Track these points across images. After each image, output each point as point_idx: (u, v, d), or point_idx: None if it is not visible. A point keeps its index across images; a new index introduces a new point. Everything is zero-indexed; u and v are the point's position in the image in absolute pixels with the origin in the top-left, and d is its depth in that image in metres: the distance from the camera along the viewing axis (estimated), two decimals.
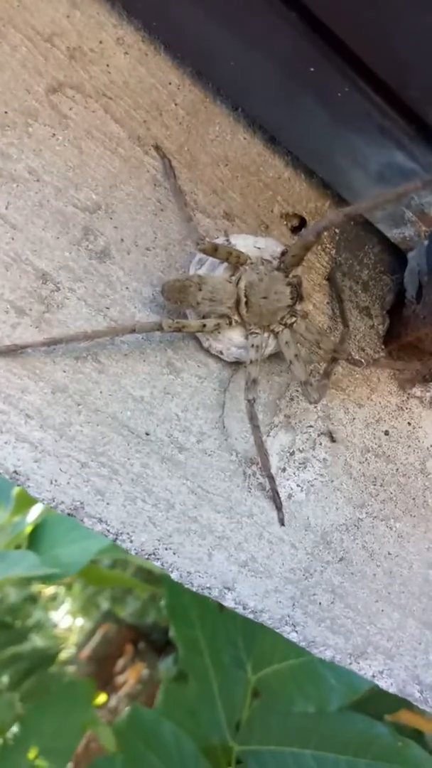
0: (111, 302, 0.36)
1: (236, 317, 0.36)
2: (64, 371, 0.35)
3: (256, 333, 0.36)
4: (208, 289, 0.34)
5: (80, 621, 1.61)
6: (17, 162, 0.35)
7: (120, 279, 0.36)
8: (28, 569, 0.76)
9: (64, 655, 1.45)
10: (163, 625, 1.87)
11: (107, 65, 0.36)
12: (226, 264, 0.36)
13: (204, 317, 0.36)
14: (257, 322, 0.36)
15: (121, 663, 1.73)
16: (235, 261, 0.35)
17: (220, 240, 0.35)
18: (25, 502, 0.88)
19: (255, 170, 0.39)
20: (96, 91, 0.36)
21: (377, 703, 0.80)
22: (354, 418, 0.41)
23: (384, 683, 0.42)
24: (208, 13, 0.32)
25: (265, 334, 0.36)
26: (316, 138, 0.35)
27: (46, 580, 0.79)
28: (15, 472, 0.34)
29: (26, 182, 0.35)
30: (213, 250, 0.33)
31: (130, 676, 1.69)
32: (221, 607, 0.96)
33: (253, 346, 0.36)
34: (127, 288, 0.36)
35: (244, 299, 0.35)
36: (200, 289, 0.34)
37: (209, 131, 0.38)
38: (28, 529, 0.83)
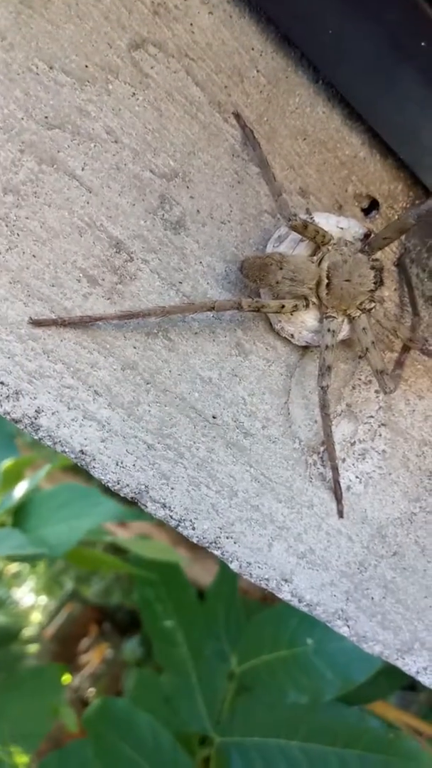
0: (184, 276, 0.37)
1: (314, 299, 0.37)
2: (135, 347, 0.36)
3: (333, 317, 0.37)
4: (289, 269, 0.35)
5: (44, 599, 1.62)
6: (95, 120, 0.35)
7: (194, 252, 0.37)
8: (14, 548, 0.75)
9: (27, 632, 1.46)
10: (128, 606, 1.89)
11: (191, 24, 0.36)
12: (306, 243, 0.36)
13: (281, 297, 0.36)
14: (336, 305, 0.36)
15: (85, 643, 1.75)
16: (321, 241, 0.36)
17: (304, 217, 0.36)
18: (12, 477, 0.88)
19: (332, 147, 0.40)
20: (179, 50, 0.36)
21: (351, 693, 0.83)
22: (414, 410, 0.43)
23: (428, 680, 0.43)
24: None
25: (341, 319, 0.37)
26: (408, 117, 0.36)
27: (33, 560, 0.79)
28: (81, 451, 0.34)
29: (104, 143, 0.35)
30: (303, 228, 0.34)
31: (93, 656, 1.71)
32: (202, 599, 0.98)
33: (329, 330, 0.37)
34: (200, 262, 0.37)
35: (325, 281, 0.36)
36: (281, 268, 0.35)
37: (289, 102, 0.39)
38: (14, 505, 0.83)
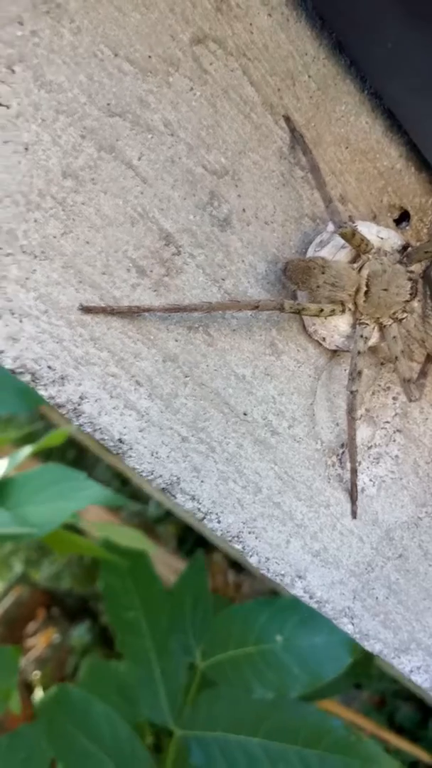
0: (227, 274, 0.39)
1: (351, 305, 0.40)
2: (176, 340, 0.38)
3: (366, 324, 0.40)
4: (331, 274, 0.38)
5: None
6: (154, 112, 0.37)
7: (237, 251, 0.39)
8: None
9: None
10: (77, 592, 1.92)
11: (250, 24, 0.39)
12: (347, 250, 0.40)
13: (319, 301, 0.39)
14: (371, 313, 0.40)
15: (32, 626, 1.77)
16: (363, 249, 0.39)
17: (353, 225, 0.39)
18: None
19: (372, 157, 0.43)
20: (237, 49, 0.38)
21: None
22: (427, 419, 0.47)
23: (420, 678, 0.48)
24: None
25: (373, 326, 0.41)
26: None
27: (12, 539, 0.80)
28: (120, 440, 0.37)
29: (161, 135, 0.37)
30: (351, 236, 0.37)
31: (40, 640, 1.73)
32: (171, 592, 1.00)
33: (361, 336, 0.40)
34: (243, 261, 0.39)
35: (364, 288, 0.39)
36: (323, 273, 0.38)
37: (336, 110, 0.42)
38: None
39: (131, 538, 1.05)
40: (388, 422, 0.45)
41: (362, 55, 0.39)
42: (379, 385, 0.45)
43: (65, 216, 0.34)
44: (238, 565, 1.82)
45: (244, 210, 0.39)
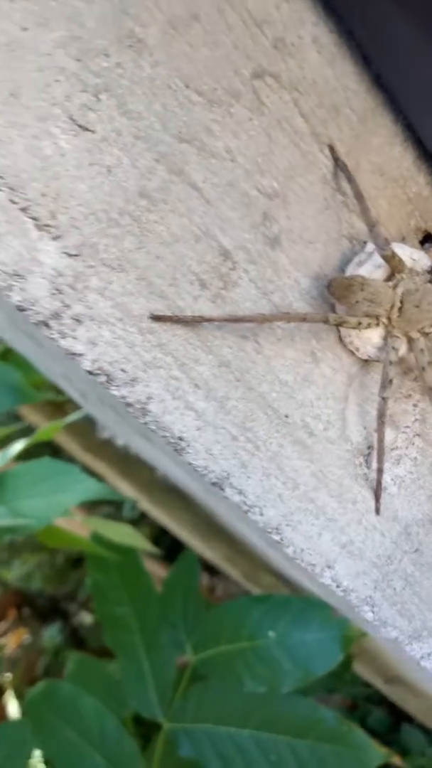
0: (275, 288, 0.43)
1: (385, 320, 0.44)
2: (230, 347, 0.42)
3: (397, 337, 0.45)
4: (370, 291, 0.43)
5: None
6: (218, 139, 0.41)
7: (285, 267, 0.43)
8: None
9: None
10: (49, 592, 1.93)
11: (302, 60, 0.43)
12: (383, 269, 0.44)
13: (356, 315, 0.44)
14: (402, 327, 0.44)
15: (2, 626, 1.78)
16: (398, 269, 0.43)
17: (393, 248, 0.44)
18: None
19: (402, 183, 0.48)
20: (290, 83, 0.43)
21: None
22: None
23: (429, 664, 0.52)
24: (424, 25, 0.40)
25: (402, 339, 0.45)
26: None
27: (12, 532, 0.82)
28: (180, 438, 0.40)
29: (223, 161, 0.41)
30: (391, 257, 0.42)
31: (11, 640, 1.74)
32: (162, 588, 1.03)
33: (393, 348, 0.45)
34: (289, 277, 0.44)
35: (398, 305, 0.43)
36: (362, 290, 0.42)
37: (372, 141, 0.46)
38: None
39: (123, 533, 1.08)
40: (408, 427, 0.50)
41: (399, 92, 0.44)
42: (401, 393, 0.49)
43: (140, 232, 0.38)
44: (211, 569, 1.86)
45: (291, 230, 0.43)
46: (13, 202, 0.34)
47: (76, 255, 0.36)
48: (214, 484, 0.41)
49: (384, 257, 0.41)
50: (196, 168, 0.39)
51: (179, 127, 0.39)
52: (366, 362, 0.47)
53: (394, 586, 0.49)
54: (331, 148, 0.44)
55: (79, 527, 1.11)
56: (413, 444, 0.50)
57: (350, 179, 0.43)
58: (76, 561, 1.96)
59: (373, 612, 0.48)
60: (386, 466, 0.48)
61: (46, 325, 0.35)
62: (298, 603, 0.95)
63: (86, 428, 1.62)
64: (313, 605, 0.94)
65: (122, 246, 0.37)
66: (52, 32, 0.35)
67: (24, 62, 0.34)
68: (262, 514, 0.43)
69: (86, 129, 0.36)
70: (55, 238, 0.36)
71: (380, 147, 0.46)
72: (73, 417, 1.18)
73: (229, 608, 1.00)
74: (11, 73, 0.34)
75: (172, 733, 0.90)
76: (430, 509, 0.50)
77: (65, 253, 0.36)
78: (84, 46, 0.35)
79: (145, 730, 1.00)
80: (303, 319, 0.40)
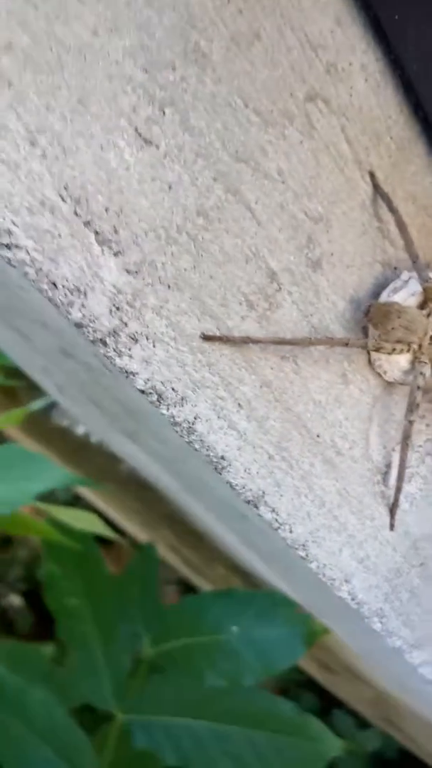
0: (315, 310, 0.44)
1: (416, 346, 0.45)
2: (272, 368, 0.42)
3: (425, 362, 0.46)
4: (406, 318, 0.43)
5: None
6: (271, 161, 0.40)
7: (324, 290, 0.44)
8: None
9: None
10: None
11: (351, 87, 0.43)
12: (417, 296, 0.45)
13: (389, 341, 0.45)
14: (430, 353, 0.46)
15: None
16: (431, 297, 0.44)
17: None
18: None
19: (431, 212, 0.49)
20: (339, 109, 0.43)
21: None
22: None
23: (426, 671, 0.55)
24: None
25: (429, 364, 0.46)
26: None
27: None
28: (222, 457, 0.40)
29: (275, 182, 0.41)
30: (430, 288, 0.43)
31: None
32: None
33: (421, 373, 0.46)
34: (327, 299, 0.44)
35: (430, 333, 0.45)
36: (399, 317, 0.43)
37: (408, 169, 0.47)
38: None
39: (86, 520, 1.04)
40: (421, 446, 0.51)
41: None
42: (417, 414, 0.51)
43: (196, 251, 0.37)
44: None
45: (332, 254, 0.43)
46: (78, 215, 0.33)
47: (135, 272, 0.35)
48: (248, 501, 0.42)
49: (426, 290, 0.42)
50: (250, 188, 0.39)
51: (237, 146, 0.38)
52: (390, 384, 0.48)
53: (401, 598, 0.51)
54: (372, 175, 0.44)
55: (30, 511, 1.08)
56: (424, 462, 0.51)
57: (393, 209, 0.43)
58: (5, 542, 1.91)
59: (381, 623, 0.50)
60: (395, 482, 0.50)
61: (104, 342, 0.35)
62: (262, 598, 0.97)
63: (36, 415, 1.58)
64: (277, 601, 0.95)
65: (179, 264, 0.37)
66: (122, 40, 0.34)
67: (93, 69, 0.33)
68: (291, 531, 0.44)
69: (150, 143, 0.35)
70: (117, 254, 0.35)
71: (414, 176, 0.47)
72: (39, 404, 1.15)
73: (189, 603, 1.00)
74: (81, 79, 0.33)
75: (127, 724, 0.88)
76: None
77: (125, 269, 0.35)
78: (152, 57, 0.35)
79: (88, 720, 0.98)
80: (345, 344, 0.41)
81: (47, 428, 1.66)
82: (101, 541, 1.02)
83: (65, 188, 0.33)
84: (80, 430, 1.57)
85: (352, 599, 0.48)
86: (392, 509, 0.49)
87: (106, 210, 0.34)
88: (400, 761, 1.41)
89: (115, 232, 0.34)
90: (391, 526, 0.49)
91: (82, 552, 0.98)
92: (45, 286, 0.33)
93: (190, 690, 0.90)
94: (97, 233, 0.34)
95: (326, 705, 1.71)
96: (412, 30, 0.41)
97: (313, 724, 0.87)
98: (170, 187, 0.36)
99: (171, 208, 0.36)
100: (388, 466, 0.49)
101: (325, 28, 0.41)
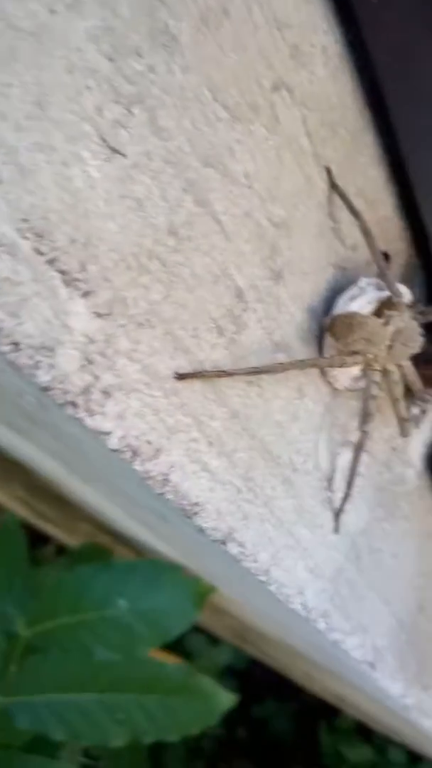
0: (276, 326, 0.40)
1: (371, 356, 0.44)
2: (239, 396, 0.38)
3: (378, 370, 0.44)
4: (367, 330, 0.41)
5: None
6: (238, 163, 0.35)
7: (284, 302, 0.40)
8: None
9: None
10: None
11: (312, 72, 0.38)
12: (374, 304, 0.43)
13: (348, 352, 0.42)
14: (383, 362, 0.44)
15: None
16: (392, 308, 0.42)
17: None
18: None
19: (375, 207, 0.46)
20: (301, 98, 0.38)
21: None
22: (381, 438, 0.54)
23: (357, 654, 0.57)
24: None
25: (381, 372, 0.45)
26: None
27: None
28: (196, 503, 0.36)
29: (241, 187, 0.35)
30: (395, 302, 0.41)
31: None
32: None
33: (374, 382, 0.44)
34: (287, 312, 0.40)
35: (389, 343, 0.43)
36: (361, 328, 0.41)
37: (358, 160, 0.43)
38: None
39: None
40: (353, 443, 0.51)
41: (397, 110, 0.41)
42: (355, 413, 0.50)
43: (167, 278, 0.32)
44: None
45: (291, 262, 0.40)
46: (40, 253, 0.26)
47: (107, 314, 0.29)
48: (216, 540, 0.38)
49: (388, 299, 0.40)
50: (218, 197, 0.34)
51: (206, 148, 0.33)
52: (338, 392, 0.46)
53: (341, 594, 0.51)
54: (329, 171, 0.41)
55: None
56: (363, 462, 0.51)
57: (355, 213, 0.40)
58: None
59: (326, 623, 0.50)
60: (342, 484, 0.49)
61: (74, 404, 0.29)
62: (146, 567, 0.95)
63: None
64: (162, 567, 0.95)
65: (150, 297, 0.31)
66: (84, 20, 0.26)
67: (52, 58, 0.26)
68: (256, 561, 0.41)
69: (117, 152, 0.29)
70: (85, 294, 0.28)
71: (364, 168, 0.44)
72: None
73: (66, 579, 0.96)
74: (38, 73, 0.25)
75: (5, 706, 0.85)
76: (368, 516, 0.53)
77: (95, 313, 0.29)
78: (117, 41, 0.28)
79: None
80: (314, 365, 0.38)
81: None
82: None
83: (25, 221, 0.25)
84: None
85: (303, 608, 0.47)
86: (338, 514, 0.48)
87: (72, 242, 0.27)
88: (249, 671, 1.49)
89: (83, 269, 0.28)
90: (336, 530, 0.49)
91: None
92: (6, 348, 0.26)
93: (76, 666, 0.87)
94: (63, 273, 0.27)
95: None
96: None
97: (204, 682, 0.89)
98: (140, 205, 0.30)
99: (141, 230, 0.30)
100: (334, 470, 0.48)
101: (290, 4, 0.35)
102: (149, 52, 0.29)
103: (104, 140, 0.28)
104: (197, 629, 1.56)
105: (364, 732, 1.33)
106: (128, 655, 0.87)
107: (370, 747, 1.30)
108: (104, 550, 1.02)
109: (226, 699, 0.91)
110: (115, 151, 0.28)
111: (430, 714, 0.65)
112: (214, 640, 1.51)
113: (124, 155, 0.29)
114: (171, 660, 1.11)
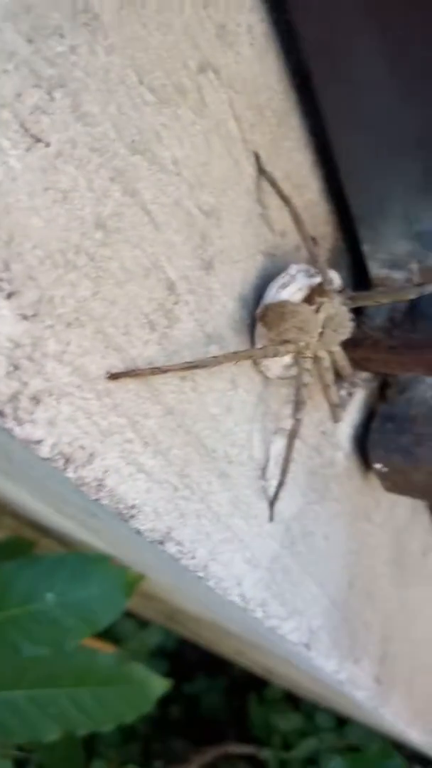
0: (208, 317, 0.39)
1: (303, 344, 0.43)
2: (173, 392, 0.37)
3: (309, 357, 0.44)
4: (300, 319, 0.41)
5: None
6: (166, 149, 0.33)
7: (215, 293, 0.39)
8: None
9: None
10: None
11: (238, 53, 0.37)
12: (304, 291, 0.43)
13: (280, 341, 0.42)
14: (315, 348, 0.44)
15: None
16: (323, 294, 0.42)
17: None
18: None
19: (301, 192, 0.45)
20: (228, 80, 0.36)
21: None
22: (312, 423, 0.54)
23: (294, 637, 0.57)
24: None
25: (311, 359, 0.45)
26: (384, 183, 0.44)
27: None
28: (132, 506, 0.35)
29: (170, 175, 0.34)
30: (326, 289, 0.40)
31: None
32: None
33: (306, 369, 0.44)
34: (219, 302, 0.39)
35: (320, 330, 0.43)
36: (293, 317, 0.41)
37: (284, 145, 0.43)
38: None
39: None
40: (285, 429, 0.51)
41: (324, 92, 0.41)
42: (288, 400, 0.50)
43: (95, 274, 0.30)
44: None
45: (222, 251, 0.39)
46: None
47: (33, 315, 0.27)
48: (154, 541, 0.38)
49: (319, 286, 0.40)
50: (147, 186, 0.32)
51: (133, 134, 0.31)
52: (269, 380, 0.46)
53: (277, 581, 0.52)
54: (257, 157, 0.40)
55: None
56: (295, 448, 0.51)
57: (285, 199, 0.40)
58: None
59: (263, 611, 0.51)
60: (275, 472, 0.49)
61: (1, 414, 0.27)
62: (74, 559, 0.94)
63: None
64: (89, 559, 0.93)
65: (78, 295, 0.30)
66: None
67: None
68: (193, 558, 0.41)
69: (39, 140, 0.27)
70: (10, 295, 0.26)
71: (289, 152, 0.43)
72: None
73: None
74: None
75: None
76: (302, 502, 0.53)
77: (21, 315, 0.27)
78: (37, 21, 0.25)
79: None
80: (250, 356, 0.38)
81: None
82: None
83: None
84: None
85: (242, 600, 0.47)
86: (272, 502, 0.48)
87: None
88: (179, 650, 1.50)
89: (6, 268, 0.26)
90: (271, 518, 0.49)
91: None
92: None
93: (3, 663, 0.85)
94: None
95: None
96: None
97: (136, 670, 0.89)
98: (65, 197, 0.28)
99: (67, 224, 0.28)
100: (267, 459, 0.48)
101: None
102: (71, 32, 0.27)
103: (25, 128, 0.26)
104: (126, 614, 1.55)
105: (292, 700, 1.37)
106: (57, 649, 0.86)
107: (298, 714, 1.34)
108: (28, 544, 0.99)
109: (159, 684, 0.91)
110: (37, 139, 0.26)
111: (361, 686, 0.67)
112: (143, 623, 1.51)
113: (46, 144, 0.27)
114: (103, 647, 1.10)
